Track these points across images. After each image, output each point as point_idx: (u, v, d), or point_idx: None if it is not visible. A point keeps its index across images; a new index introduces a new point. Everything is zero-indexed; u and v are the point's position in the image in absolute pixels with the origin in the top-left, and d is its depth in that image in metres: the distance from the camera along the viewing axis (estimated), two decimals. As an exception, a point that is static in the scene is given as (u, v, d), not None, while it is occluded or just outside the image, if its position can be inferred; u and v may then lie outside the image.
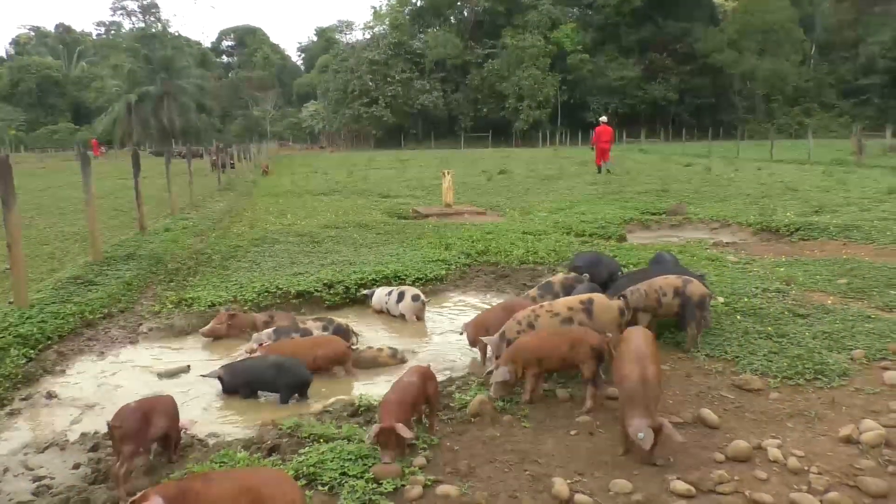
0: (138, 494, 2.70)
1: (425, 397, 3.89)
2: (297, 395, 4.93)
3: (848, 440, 3.69)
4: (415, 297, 6.78)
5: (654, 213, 13.13)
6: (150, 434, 3.67)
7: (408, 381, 3.86)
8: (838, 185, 17.45)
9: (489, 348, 5.10)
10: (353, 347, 5.71)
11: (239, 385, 4.96)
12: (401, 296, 6.85)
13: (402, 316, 6.80)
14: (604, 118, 27.25)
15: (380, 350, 5.70)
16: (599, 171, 24.49)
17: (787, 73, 65.69)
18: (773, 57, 65.14)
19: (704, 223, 12.27)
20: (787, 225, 10.95)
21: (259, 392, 4.99)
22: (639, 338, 3.95)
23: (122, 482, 3.44)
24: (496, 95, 68.57)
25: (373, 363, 5.58)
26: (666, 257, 6.87)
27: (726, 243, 10.36)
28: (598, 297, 5.00)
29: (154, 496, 2.64)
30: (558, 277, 6.14)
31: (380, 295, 7.11)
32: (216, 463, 3.59)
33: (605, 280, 6.34)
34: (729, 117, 68.26)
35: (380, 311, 7.10)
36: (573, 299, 5.03)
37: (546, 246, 9.36)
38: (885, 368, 4.68)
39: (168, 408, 3.87)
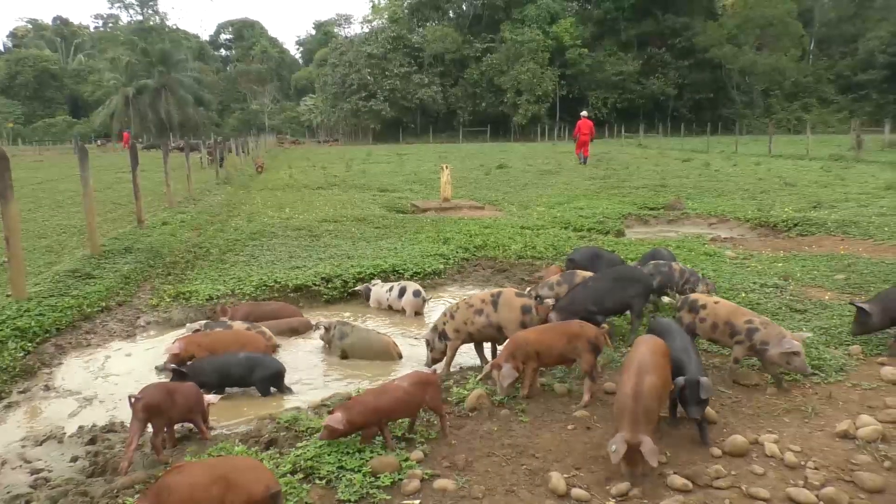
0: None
1: (417, 405, 3.76)
2: (274, 387, 4.89)
3: (844, 435, 3.70)
4: (416, 293, 6.79)
5: (652, 208, 13.14)
6: (172, 413, 3.78)
7: (394, 387, 3.74)
8: (836, 181, 17.46)
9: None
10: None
11: (207, 381, 4.67)
12: (402, 291, 6.86)
13: (403, 310, 6.82)
14: (584, 112, 28.28)
15: (395, 345, 5.64)
16: (581, 161, 26.04)
17: (786, 68, 65.51)
18: (771, 52, 65.03)
19: (702, 218, 12.28)
20: (785, 220, 10.95)
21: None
22: (645, 347, 3.72)
23: (128, 457, 3.59)
24: (495, 90, 68.39)
25: (384, 352, 5.55)
26: (663, 253, 6.85)
27: (724, 238, 10.37)
28: (507, 292, 4.96)
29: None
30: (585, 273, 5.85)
31: (379, 291, 7.09)
32: (213, 456, 3.58)
33: None
34: (727, 112, 68.13)
35: (379, 307, 7.08)
36: (486, 293, 5.07)
37: (544, 241, 9.36)
38: (882, 364, 4.70)
39: (190, 393, 3.95)
